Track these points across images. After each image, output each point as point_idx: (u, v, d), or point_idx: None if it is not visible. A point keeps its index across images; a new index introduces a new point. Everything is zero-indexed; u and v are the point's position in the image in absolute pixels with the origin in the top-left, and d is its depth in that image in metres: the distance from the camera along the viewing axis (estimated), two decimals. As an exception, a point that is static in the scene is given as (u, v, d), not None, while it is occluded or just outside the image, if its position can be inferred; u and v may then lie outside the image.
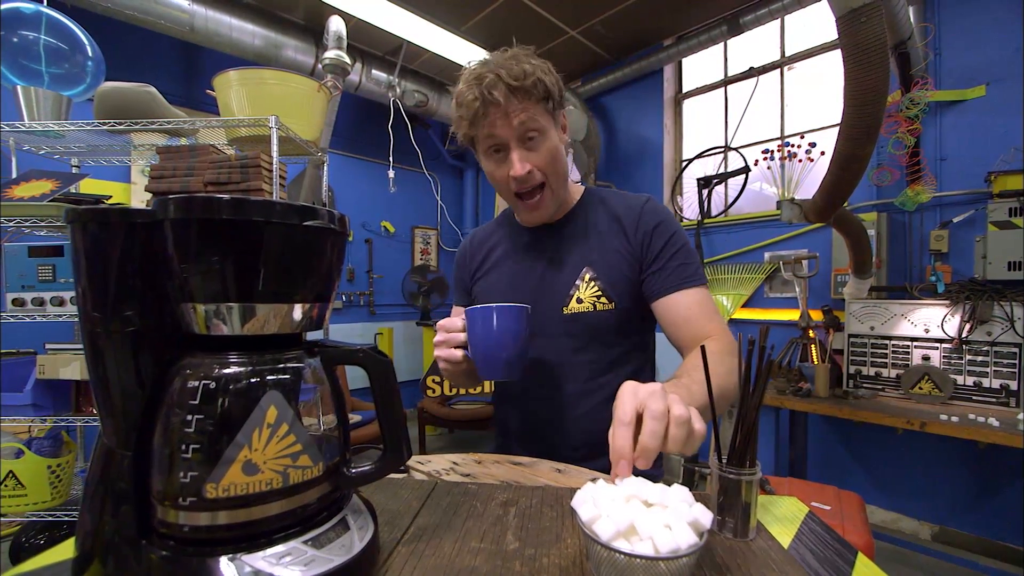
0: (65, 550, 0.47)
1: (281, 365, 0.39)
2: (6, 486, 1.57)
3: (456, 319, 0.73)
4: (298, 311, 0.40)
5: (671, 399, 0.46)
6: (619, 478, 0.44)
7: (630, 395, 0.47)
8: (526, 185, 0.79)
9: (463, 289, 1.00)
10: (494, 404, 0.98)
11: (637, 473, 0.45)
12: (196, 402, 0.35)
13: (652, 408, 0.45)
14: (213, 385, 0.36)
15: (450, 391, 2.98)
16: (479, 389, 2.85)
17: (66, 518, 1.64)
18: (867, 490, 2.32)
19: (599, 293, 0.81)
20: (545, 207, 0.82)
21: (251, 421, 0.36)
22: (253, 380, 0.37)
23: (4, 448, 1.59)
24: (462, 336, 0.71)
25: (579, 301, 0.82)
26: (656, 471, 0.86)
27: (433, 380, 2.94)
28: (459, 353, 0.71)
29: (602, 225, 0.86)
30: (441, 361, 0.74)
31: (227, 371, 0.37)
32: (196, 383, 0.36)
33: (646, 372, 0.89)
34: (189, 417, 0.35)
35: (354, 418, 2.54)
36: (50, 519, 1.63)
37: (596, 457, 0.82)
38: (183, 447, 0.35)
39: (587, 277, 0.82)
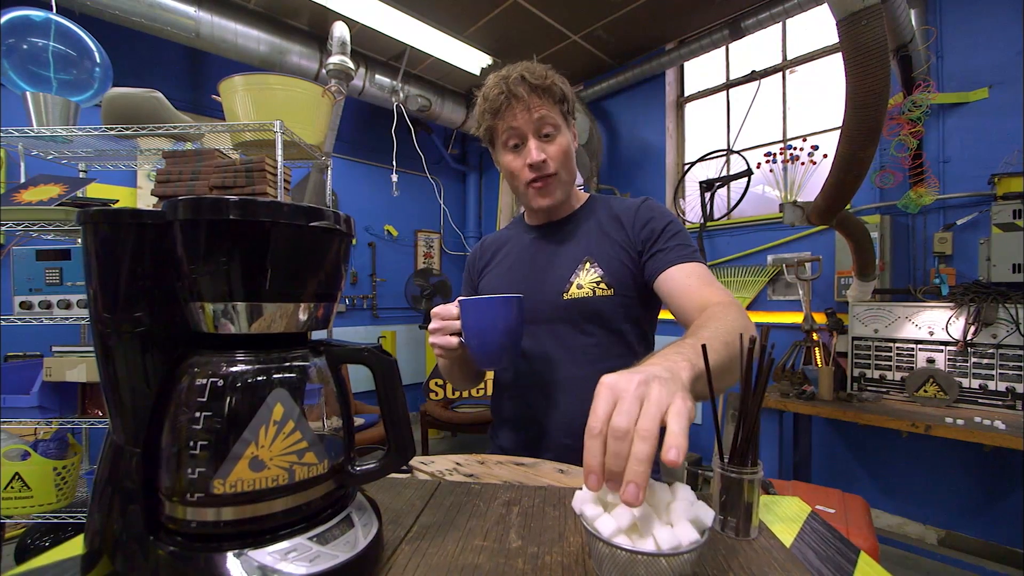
0: (71, 548, 0.48)
1: (287, 363, 0.40)
2: (12, 488, 1.58)
3: (451, 306, 0.74)
4: (304, 311, 0.41)
5: (652, 395, 0.38)
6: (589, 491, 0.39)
7: (607, 392, 0.40)
8: (540, 173, 0.84)
9: (470, 287, 1.04)
10: (492, 397, 0.99)
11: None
12: (204, 399, 0.36)
13: (616, 425, 0.37)
14: (221, 383, 0.36)
15: (453, 394, 2.98)
16: (481, 392, 2.85)
17: (71, 520, 1.65)
18: (872, 494, 2.31)
19: (598, 279, 0.84)
20: (554, 193, 0.87)
21: (258, 418, 0.37)
22: (260, 378, 0.38)
23: (10, 450, 1.60)
24: (457, 324, 0.72)
25: (579, 287, 0.85)
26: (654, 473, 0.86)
27: (436, 383, 2.95)
28: (455, 340, 0.72)
29: (604, 222, 0.89)
30: (437, 349, 0.75)
31: (234, 369, 0.37)
32: (204, 381, 0.36)
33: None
34: (197, 414, 0.36)
35: (357, 421, 2.54)
36: (55, 521, 1.64)
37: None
38: (191, 444, 0.36)
39: (587, 265, 0.86)
